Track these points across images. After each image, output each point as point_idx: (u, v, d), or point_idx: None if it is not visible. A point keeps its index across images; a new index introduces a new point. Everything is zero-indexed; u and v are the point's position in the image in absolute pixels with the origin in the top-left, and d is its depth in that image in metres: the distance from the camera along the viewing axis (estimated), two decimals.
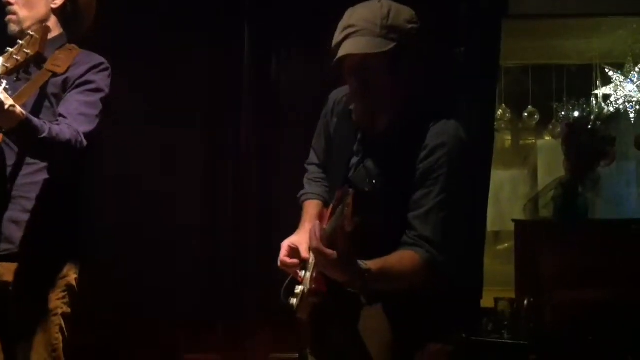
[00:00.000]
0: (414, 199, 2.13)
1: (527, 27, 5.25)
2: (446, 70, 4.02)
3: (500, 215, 6.10)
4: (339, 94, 2.42)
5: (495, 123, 5.45)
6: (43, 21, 2.61)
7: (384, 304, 2.18)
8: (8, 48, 2.25)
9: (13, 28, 2.60)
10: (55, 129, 2.36)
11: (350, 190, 1.88)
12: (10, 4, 2.59)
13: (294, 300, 2.23)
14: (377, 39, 2.08)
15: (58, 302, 2.54)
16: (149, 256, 4.09)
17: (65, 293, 2.56)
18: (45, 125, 2.32)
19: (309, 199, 2.49)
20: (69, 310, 2.56)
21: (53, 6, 2.65)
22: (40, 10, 2.62)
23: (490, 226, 4.79)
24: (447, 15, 4.12)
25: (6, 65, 2.19)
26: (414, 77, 2.20)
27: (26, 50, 2.20)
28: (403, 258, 2.09)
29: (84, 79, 2.53)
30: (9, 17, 2.60)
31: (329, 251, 1.92)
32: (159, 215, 4.16)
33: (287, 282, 2.30)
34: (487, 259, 4.32)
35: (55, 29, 2.64)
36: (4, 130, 2.33)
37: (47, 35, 2.24)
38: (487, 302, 4.31)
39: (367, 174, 2.20)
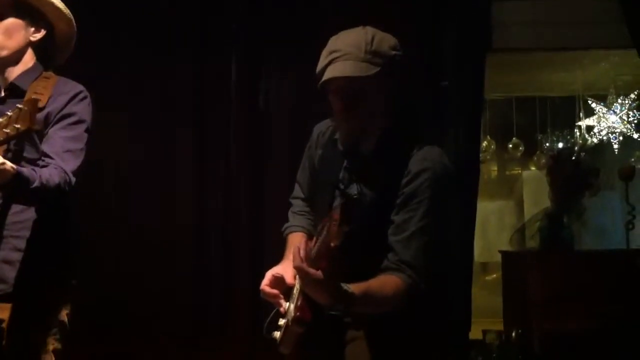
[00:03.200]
0: (396, 223, 2.15)
1: (510, 60, 5.32)
2: (430, 100, 4.07)
3: (487, 246, 6.12)
4: (323, 126, 2.44)
5: (481, 154, 5.48)
6: (20, 52, 2.59)
7: (369, 335, 2.19)
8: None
9: None
10: (45, 175, 2.35)
11: (336, 204, 1.88)
12: None
13: (277, 334, 2.21)
14: (361, 63, 2.11)
15: (50, 339, 2.52)
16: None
17: (57, 329, 2.54)
18: (35, 174, 2.32)
19: (293, 231, 2.49)
20: (59, 346, 2.54)
21: (32, 39, 2.63)
22: (19, 41, 2.60)
23: (478, 257, 4.79)
24: (432, 48, 4.17)
25: None
26: (397, 103, 2.23)
27: (16, 125, 2.13)
28: (386, 283, 2.09)
29: (64, 111, 2.51)
30: None
31: (313, 270, 1.92)
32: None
33: (271, 315, 2.28)
34: (475, 290, 4.31)
35: (29, 59, 2.63)
36: None
37: (36, 108, 2.18)
38: (475, 334, 4.30)
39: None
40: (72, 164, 2.47)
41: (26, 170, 2.32)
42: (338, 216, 1.86)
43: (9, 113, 2.15)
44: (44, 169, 2.40)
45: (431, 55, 4.15)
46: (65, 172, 2.43)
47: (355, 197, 2.14)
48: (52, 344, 2.53)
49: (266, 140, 4.30)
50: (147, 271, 4.12)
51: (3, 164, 2.21)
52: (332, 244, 1.86)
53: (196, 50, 4.32)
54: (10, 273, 2.50)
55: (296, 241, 2.43)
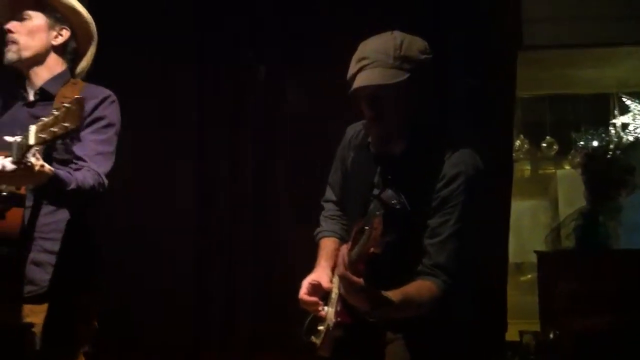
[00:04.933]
0: (432, 227, 2.17)
1: (541, 57, 5.26)
2: (462, 99, 4.04)
3: (521, 247, 6.05)
4: (356, 128, 2.45)
5: (514, 154, 5.44)
6: (42, 54, 2.65)
7: (408, 335, 2.20)
8: (43, 118, 2.19)
9: (11, 56, 2.62)
10: (80, 177, 2.40)
11: (378, 213, 1.90)
12: (11, 32, 2.62)
13: (315, 339, 2.23)
14: (390, 70, 2.12)
15: (81, 341, 2.56)
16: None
17: (88, 332, 2.58)
18: (72, 177, 2.37)
19: (325, 236, 2.51)
20: (90, 349, 2.58)
21: (54, 43, 2.67)
22: (42, 42, 2.65)
23: (512, 258, 4.75)
24: (463, 48, 4.14)
25: (42, 136, 2.16)
26: (427, 105, 2.25)
27: (65, 124, 2.15)
28: (421, 288, 2.12)
29: (94, 115, 2.56)
30: (9, 45, 2.62)
31: (356, 279, 1.95)
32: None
33: (307, 321, 2.30)
34: (510, 290, 4.27)
35: (57, 65, 2.68)
36: (33, 186, 2.37)
37: (83, 107, 2.20)
38: (511, 335, 4.26)
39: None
40: (104, 166, 2.53)
41: (62, 172, 2.36)
42: (380, 226, 1.87)
43: (55, 112, 2.16)
44: (79, 171, 2.44)
45: (462, 55, 4.12)
46: (99, 175, 2.48)
47: (397, 207, 2.13)
48: (84, 347, 2.56)
49: (271, 143, 4.30)
50: (148, 279, 4.13)
51: (42, 165, 2.24)
52: (371, 250, 1.90)
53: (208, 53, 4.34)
54: (40, 275, 2.53)
55: (328, 246, 2.45)
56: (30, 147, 2.18)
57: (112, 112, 2.60)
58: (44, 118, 2.18)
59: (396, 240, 2.00)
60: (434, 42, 2.25)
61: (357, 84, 2.14)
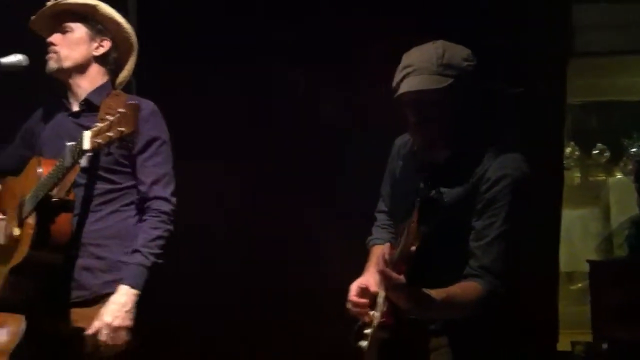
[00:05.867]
0: (477, 229, 2.19)
1: (591, 64, 5.20)
2: (510, 108, 4.01)
3: (572, 255, 5.96)
4: (404, 138, 2.49)
5: (565, 161, 5.37)
6: (84, 65, 2.71)
7: (453, 343, 2.22)
8: (97, 123, 2.25)
9: (52, 65, 2.69)
10: (150, 243, 2.57)
11: (415, 206, 1.96)
12: (53, 44, 2.69)
13: (364, 343, 2.24)
14: (433, 76, 2.17)
15: (128, 344, 2.61)
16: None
17: (134, 336, 2.62)
18: (147, 260, 2.55)
19: (376, 244, 2.54)
20: (136, 349, 2.63)
21: (95, 53, 2.74)
22: (82, 53, 2.71)
23: (563, 267, 4.69)
24: (512, 54, 4.11)
25: (97, 141, 2.22)
26: (472, 112, 2.27)
27: (120, 128, 2.20)
28: (466, 288, 2.14)
29: (146, 137, 2.62)
30: (50, 55, 2.70)
31: (395, 274, 1.99)
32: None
33: (356, 327, 2.31)
34: (562, 300, 4.22)
35: (99, 76, 2.74)
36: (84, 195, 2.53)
37: (138, 112, 2.27)
38: (563, 345, 4.20)
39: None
40: (169, 188, 2.65)
41: (136, 268, 2.55)
42: (417, 216, 1.93)
43: (109, 118, 2.21)
44: (139, 236, 2.58)
45: (510, 62, 4.09)
46: (167, 200, 2.62)
47: (433, 196, 2.17)
48: (130, 350, 2.62)
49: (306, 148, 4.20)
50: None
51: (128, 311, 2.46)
52: (412, 248, 1.95)
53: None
54: (91, 280, 2.60)
55: (377, 254, 2.45)
56: (85, 151, 2.24)
57: (159, 127, 2.69)
58: (98, 123, 2.24)
59: (439, 242, 2.07)
60: (480, 50, 2.27)
61: (401, 90, 2.21)
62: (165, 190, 2.63)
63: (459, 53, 2.23)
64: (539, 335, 3.83)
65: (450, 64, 2.18)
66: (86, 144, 2.23)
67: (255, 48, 4.24)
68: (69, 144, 2.32)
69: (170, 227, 2.62)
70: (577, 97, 6.31)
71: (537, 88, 4.05)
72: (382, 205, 2.62)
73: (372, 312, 2.25)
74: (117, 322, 2.47)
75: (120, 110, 2.22)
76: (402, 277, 1.99)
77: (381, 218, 2.62)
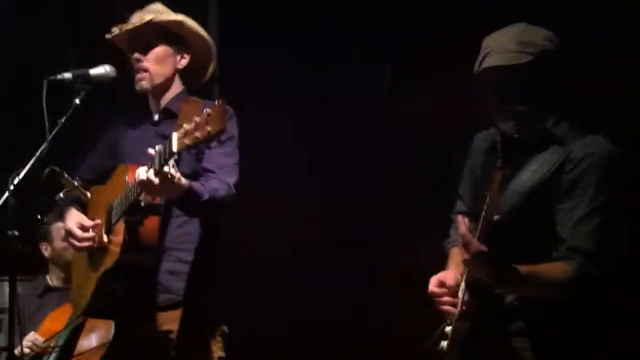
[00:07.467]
0: (563, 211, 2.14)
1: None
2: (596, 94, 3.88)
3: None
4: (482, 135, 2.47)
5: None
6: (170, 79, 2.79)
7: (535, 343, 2.16)
8: (185, 124, 2.26)
9: (145, 84, 2.76)
10: (212, 189, 2.52)
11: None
12: (139, 60, 2.75)
13: (444, 343, 2.21)
14: (513, 54, 2.17)
15: (215, 347, 2.66)
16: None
17: (221, 337, 2.67)
18: (204, 188, 2.49)
19: (455, 246, 2.49)
20: (224, 354, 2.69)
21: (179, 67, 2.81)
22: (169, 68, 2.79)
23: None
24: (602, 40, 3.98)
25: (185, 141, 2.24)
26: (556, 93, 2.25)
27: (207, 128, 2.20)
28: (553, 266, 2.10)
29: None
30: (141, 74, 2.76)
31: (477, 243, 2.00)
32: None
33: (437, 332, 2.26)
34: None
35: (178, 85, 2.82)
36: (167, 198, 2.51)
37: (225, 112, 2.27)
38: None
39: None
40: (232, 177, 2.66)
41: (196, 184, 2.48)
42: (497, 186, 1.99)
43: (197, 119, 2.22)
44: (210, 182, 2.56)
45: (596, 49, 3.96)
46: (229, 186, 2.60)
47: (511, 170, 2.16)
48: (218, 353, 2.67)
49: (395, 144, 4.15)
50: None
51: (180, 178, 2.35)
52: (494, 218, 2.00)
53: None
54: (177, 283, 2.66)
55: (456, 255, 2.42)
56: (174, 153, 2.28)
57: (231, 126, 2.69)
58: (185, 125, 2.25)
59: (520, 225, 2.09)
60: (573, 33, 2.36)
61: (482, 67, 2.22)
62: (229, 177, 2.64)
63: (539, 33, 2.23)
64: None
65: (530, 42, 2.18)
66: (174, 146, 2.27)
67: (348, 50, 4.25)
68: (157, 146, 2.37)
69: (229, 203, 2.60)
70: None
71: (623, 78, 3.90)
72: (461, 207, 2.54)
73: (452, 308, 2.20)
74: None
75: (206, 110, 2.23)
76: (483, 247, 1.99)
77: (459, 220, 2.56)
